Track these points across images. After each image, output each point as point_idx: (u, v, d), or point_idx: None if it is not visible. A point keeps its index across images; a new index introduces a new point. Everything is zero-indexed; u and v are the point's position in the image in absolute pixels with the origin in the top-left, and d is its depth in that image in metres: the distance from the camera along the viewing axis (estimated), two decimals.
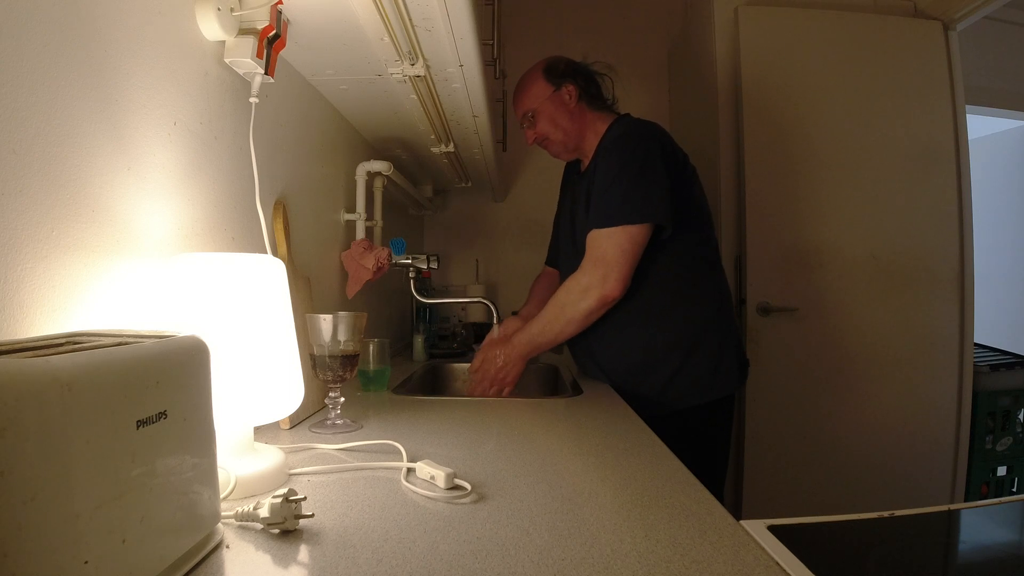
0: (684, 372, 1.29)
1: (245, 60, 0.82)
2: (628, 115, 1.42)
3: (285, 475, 0.69)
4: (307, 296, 1.09)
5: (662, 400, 1.29)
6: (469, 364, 1.42)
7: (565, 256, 1.48)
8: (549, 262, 1.64)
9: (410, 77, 1.13)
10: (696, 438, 1.25)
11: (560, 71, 1.40)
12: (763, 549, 0.51)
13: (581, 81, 1.40)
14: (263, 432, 0.89)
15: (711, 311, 1.33)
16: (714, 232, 1.40)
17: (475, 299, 1.70)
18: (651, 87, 2.56)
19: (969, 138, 2.07)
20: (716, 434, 1.34)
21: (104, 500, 0.36)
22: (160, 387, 0.42)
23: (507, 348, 1.33)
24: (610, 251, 1.23)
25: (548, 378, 1.67)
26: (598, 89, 1.43)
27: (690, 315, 1.31)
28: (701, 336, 1.30)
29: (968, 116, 2.10)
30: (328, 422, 0.93)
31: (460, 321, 2.23)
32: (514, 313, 2.26)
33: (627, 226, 1.22)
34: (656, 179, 1.24)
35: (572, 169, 1.54)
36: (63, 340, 0.42)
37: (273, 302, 0.69)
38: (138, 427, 0.39)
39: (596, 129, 1.39)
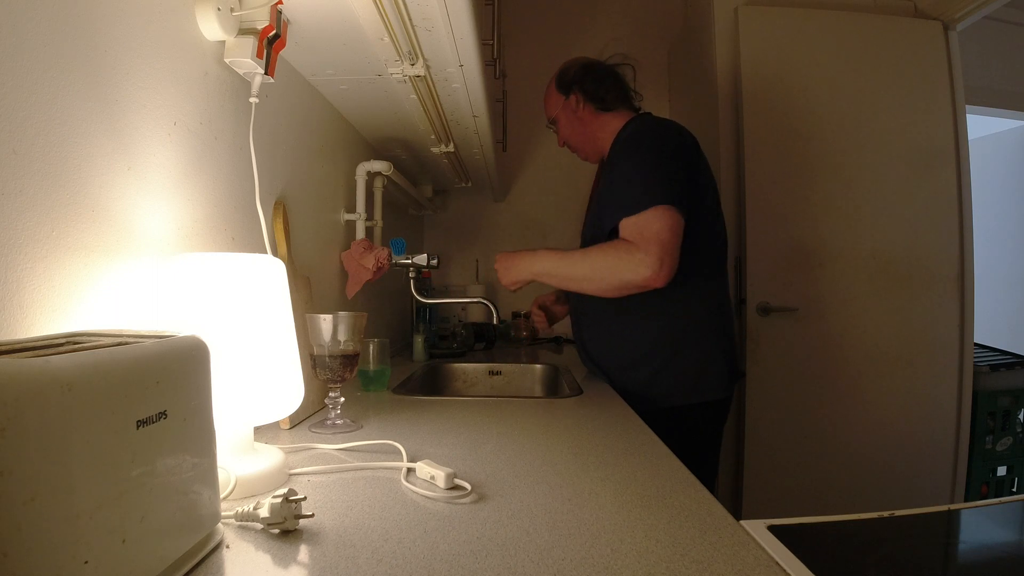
0: (669, 369, 1.29)
1: (245, 60, 0.82)
2: (649, 114, 1.42)
3: (285, 475, 0.69)
4: (307, 296, 1.09)
5: (647, 396, 1.28)
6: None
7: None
8: None
9: (410, 77, 1.14)
10: (680, 440, 1.22)
11: (568, 79, 1.44)
12: (763, 549, 0.51)
13: (588, 86, 1.42)
14: (263, 432, 0.89)
15: (703, 313, 1.32)
16: (722, 239, 1.38)
17: (475, 299, 1.70)
18: (651, 87, 2.55)
19: (969, 138, 2.07)
20: (701, 439, 1.33)
21: (104, 500, 0.36)
22: (160, 387, 0.42)
23: (527, 256, 1.35)
24: (664, 233, 1.15)
25: (548, 378, 1.67)
26: (610, 90, 1.42)
27: (680, 314, 1.30)
28: (689, 335, 1.30)
29: (968, 116, 2.10)
30: (328, 422, 0.93)
31: (460, 321, 2.23)
32: (519, 314, 2.28)
33: (669, 207, 1.16)
34: (676, 168, 1.24)
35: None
36: (63, 340, 0.42)
37: (273, 302, 0.69)
38: (138, 427, 0.39)
39: (611, 128, 1.40)
